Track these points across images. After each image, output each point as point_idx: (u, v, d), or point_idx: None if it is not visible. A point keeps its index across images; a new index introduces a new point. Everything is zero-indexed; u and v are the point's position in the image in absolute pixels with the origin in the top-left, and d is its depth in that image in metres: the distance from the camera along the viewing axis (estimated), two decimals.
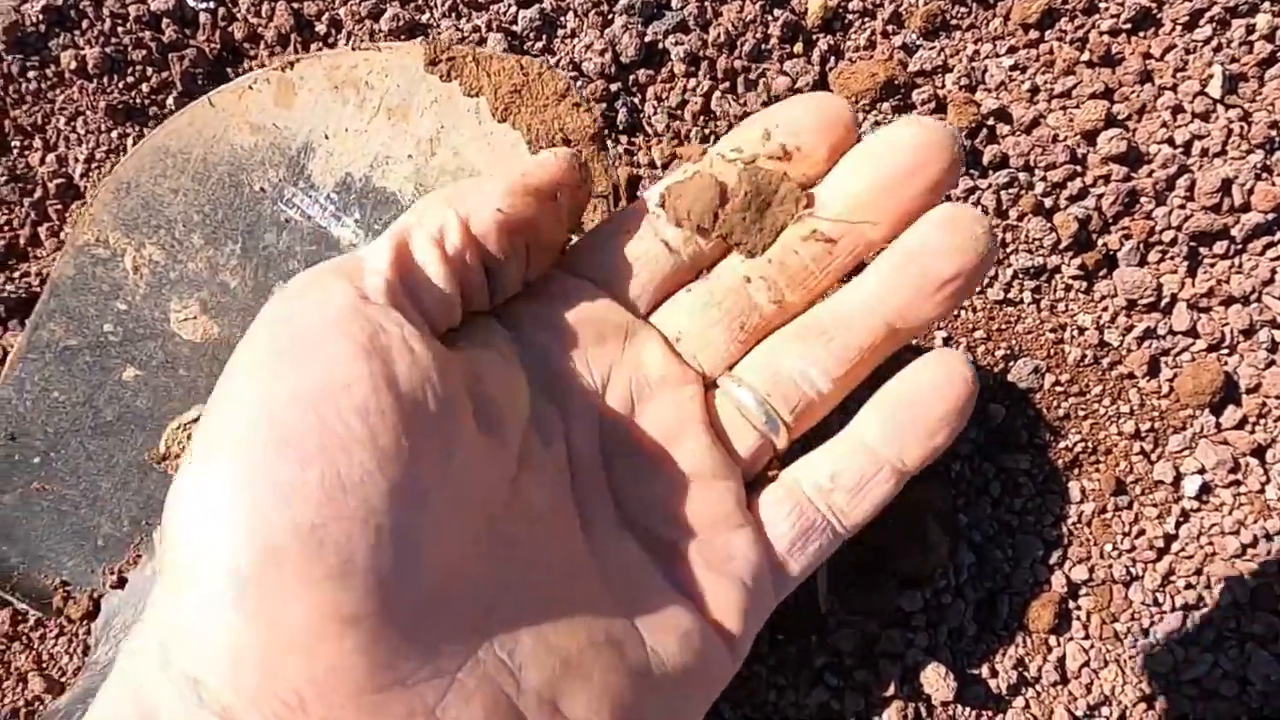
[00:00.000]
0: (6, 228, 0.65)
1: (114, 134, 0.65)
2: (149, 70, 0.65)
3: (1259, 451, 0.64)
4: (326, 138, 0.50)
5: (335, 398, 0.25)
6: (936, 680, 0.60)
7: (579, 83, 0.65)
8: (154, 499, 0.58)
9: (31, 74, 0.64)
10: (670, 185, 0.34)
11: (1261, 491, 0.64)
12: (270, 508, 0.24)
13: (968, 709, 0.61)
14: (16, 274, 0.65)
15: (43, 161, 0.65)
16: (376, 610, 0.24)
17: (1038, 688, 0.63)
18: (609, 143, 0.66)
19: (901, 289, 0.32)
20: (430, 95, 0.48)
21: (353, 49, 0.49)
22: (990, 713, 0.62)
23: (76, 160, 0.65)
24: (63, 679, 0.61)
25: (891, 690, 0.60)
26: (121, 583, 0.58)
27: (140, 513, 0.58)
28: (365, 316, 0.27)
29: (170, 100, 0.65)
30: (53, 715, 0.51)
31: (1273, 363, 0.64)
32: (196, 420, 0.57)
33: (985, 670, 0.62)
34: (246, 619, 0.24)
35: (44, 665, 0.62)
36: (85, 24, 0.65)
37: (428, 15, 0.67)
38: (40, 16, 0.64)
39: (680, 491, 0.33)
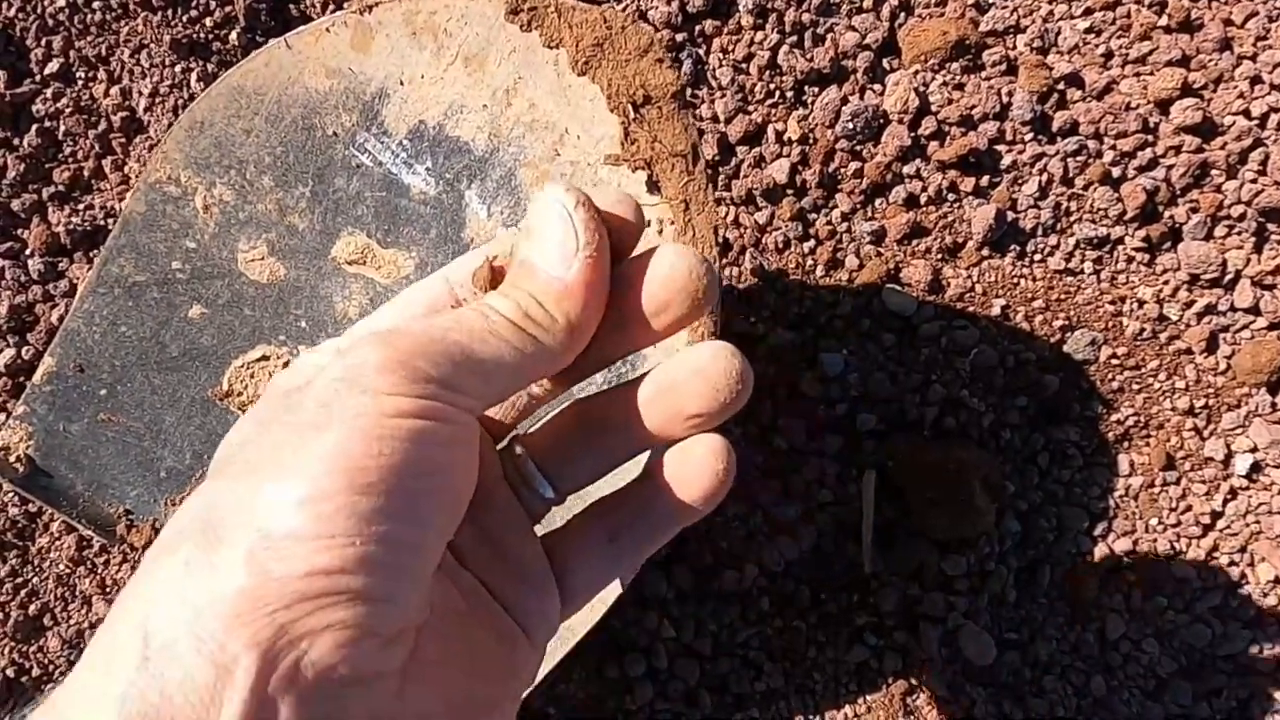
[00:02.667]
0: (71, 160, 0.66)
1: (178, 68, 0.65)
2: (212, 4, 0.65)
3: None
4: (402, 84, 0.50)
5: None
6: (976, 645, 0.61)
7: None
8: (215, 434, 0.59)
9: (96, 4, 0.64)
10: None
11: None
12: None
13: (1006, 674, 0.62)
14: (81, 206, 0.65)
15: (107, 94, 0.65)
16: None
17: (1075, 656, 0.64)
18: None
19: (655, 415, 0.33)
20: (509, 45, 0.47)
21: None
22: (1028, 680, 0.63)
23: (140, 94, 0.65)
24: None
25: (932, 652, 0.61)
26: None
27: (202, 447, 0.59)
28: None
29: (233, 36, 0.65)
30: None
31: None
32: (260, 360, 0.58)
33: (1025, 636, 0.63)
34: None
35: (108, 590, 0.64)
36: None
37: None
38: None
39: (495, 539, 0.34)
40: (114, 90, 0.65)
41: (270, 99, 0.52)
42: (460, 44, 0.48)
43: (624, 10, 0.65)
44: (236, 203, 0.55)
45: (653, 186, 0.46)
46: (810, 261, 0.64)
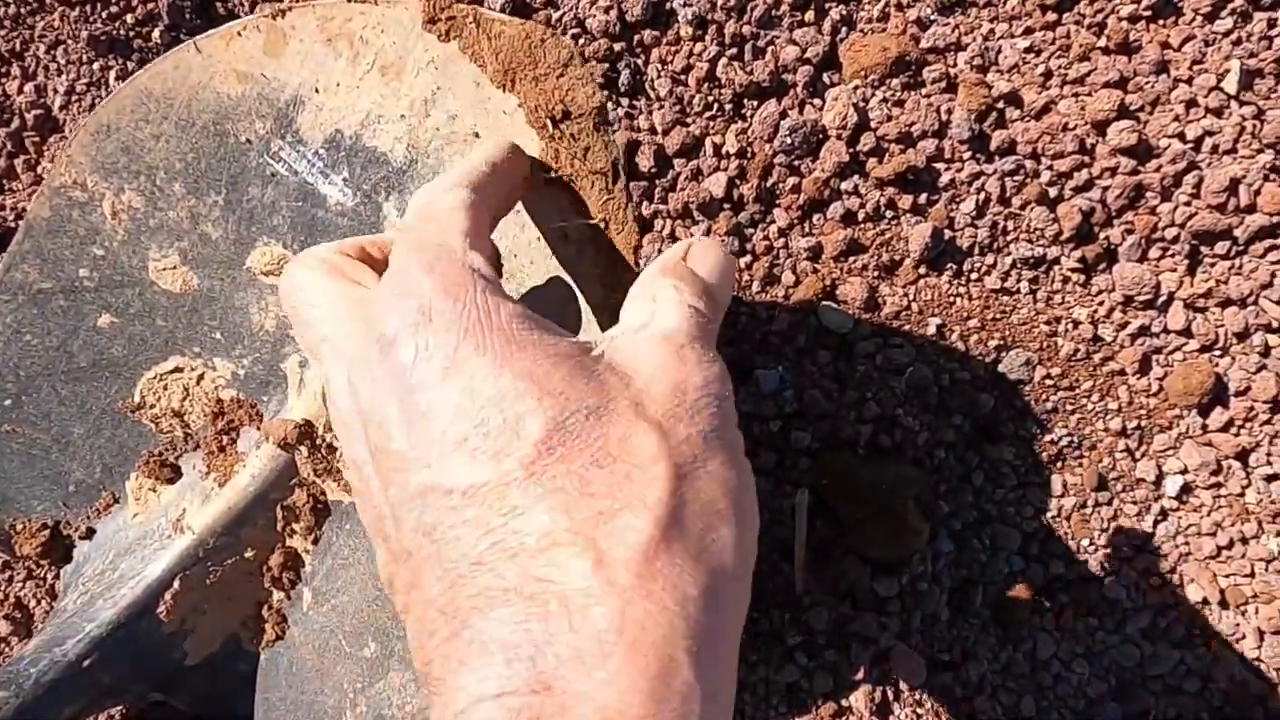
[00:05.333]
0: None
1: (95, 66, 0.62)
2: (134, 1, 0.63)
3: (1242, 455, 0.64)
4: (317, 91, 0.48)
5: None
6: (907, 665, 0.61)
7: (581, 41, 0.63)
8: (127, 447, 0.57)
9: None
10: None
11: (1241, 495, 0.64)
12: None
13: (937, 695, 0.62)
14: None
15: (20, 91, 0.62)
16: None
17: (1006, 676, 0.63)
18: (610, 108, 0.64)
19: None
20: (427, 55, 0.46)
21: (348, 0, 0.47)
22: (959, 700, 0.62)
23: (56, 91, 0.62)
24: (30, 623, 0.60)
25: (861, 673, 0.61)
26: (90, 533, 0.57)
27: (113, 460, 0.57)
28: None
29: (156, 33, 0.63)
30: (18, 661, 0.51)
31: (1264, 367, 0.63)
32: (173, 371, 0.56)
33: (956, 657, 0.63)
34: None
35: (9, 609, 0.61)
36: None
37: None
38: None
39: None
40: (28, 87, 0.62)
41: (180, 103, 0.50)
42: (377, 52, 0.47)
43: (560, 17, 0.63)
44: (146, 209, 0.53)
45: (575, 206, 0.45)
46: (747, 277, 0.63)
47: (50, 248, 0.54)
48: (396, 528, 0.31)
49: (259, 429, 0.54)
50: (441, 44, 0.45)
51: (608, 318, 0.46)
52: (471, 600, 0.28)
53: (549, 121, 0.43)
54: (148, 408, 0.56)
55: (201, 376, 0.55)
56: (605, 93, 0.45)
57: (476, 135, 0.46)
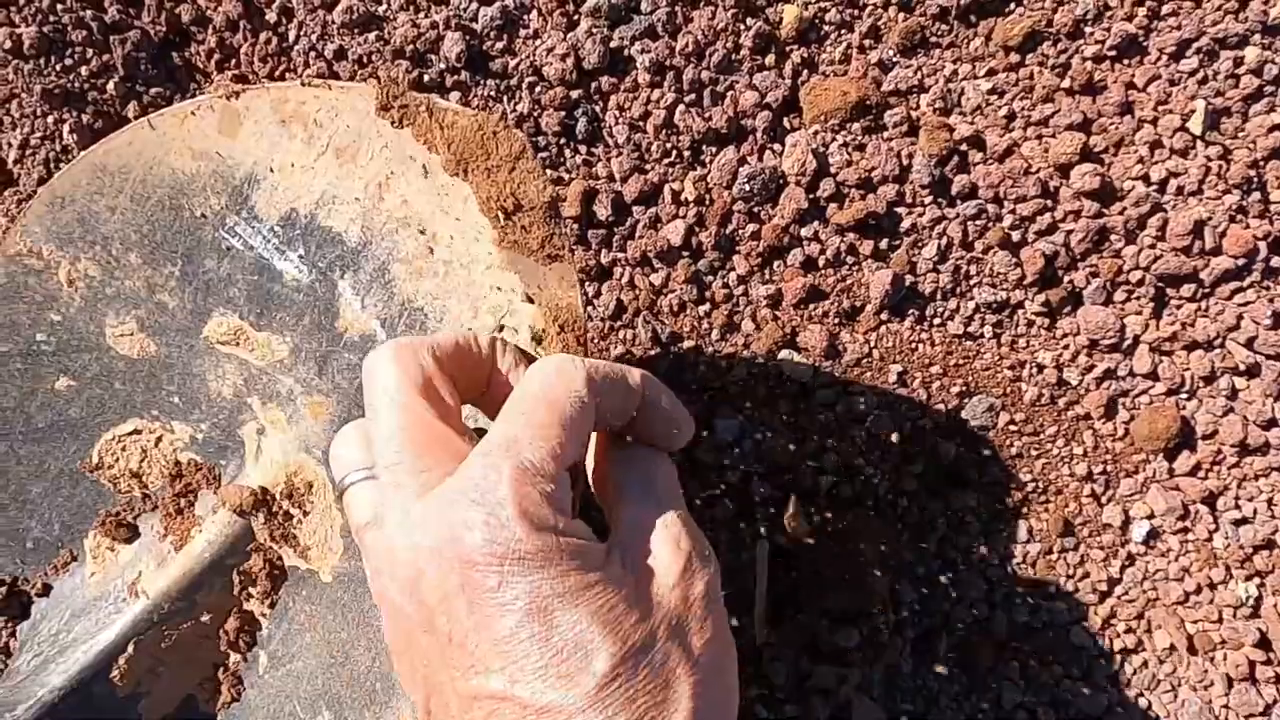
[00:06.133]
0: None
1: (50, 119, 0.63)
2: (89, 52, 0.63)
3: (1210, 499, 0.63)
4: (272, 171, 0.49)
5: None
6: (868, 717, 0.60)
7: (538, 89, 0.63)
8: (85, 506, 0.58)
9: None
10: None
11: (1209, 540, 0.63)
12: None
13: None
14: None
15: None
16: None
17: None
18: (568, 153, 0.64)
19: None
20: (381, 140, 0.46)
21: (302, 84, 0.47)
22: None
23: (10, 145, 0.63)
24: None
25: None
26: (47, 589, 0.58)
27: (71, 518, 0.58)
28: None
29: (111, 85, 0.63)
30: None
31: (1231, 410, 0.63)
32: (132, 433, 0.57)
33: (920, 707, 0.63)
34: None
35: None
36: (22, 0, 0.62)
37: (384, 7, 0.65)
38: None
39: None
40: None
41: (135, 178, 0.50)
42: (331, 135, 0.47)
43: (516, 65, 0.63)
44: (103, 278, 0.53)
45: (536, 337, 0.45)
46: (706, 325, 0.63)
47: (7, 312, 0.54)
48: (461, 703, 0.35)
49: (216, 493, 0.55)
50: (395, 130, 0.45)
51: None
52: None
53: (500, 213, 0.43)
54: (106, 468, 0.57)
55: (160, 439, 0.56)
56: (556, 188, 0.45)
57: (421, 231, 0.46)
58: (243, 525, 0.53)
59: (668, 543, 0.38)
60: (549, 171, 0.64)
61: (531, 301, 0.44)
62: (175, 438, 0.55)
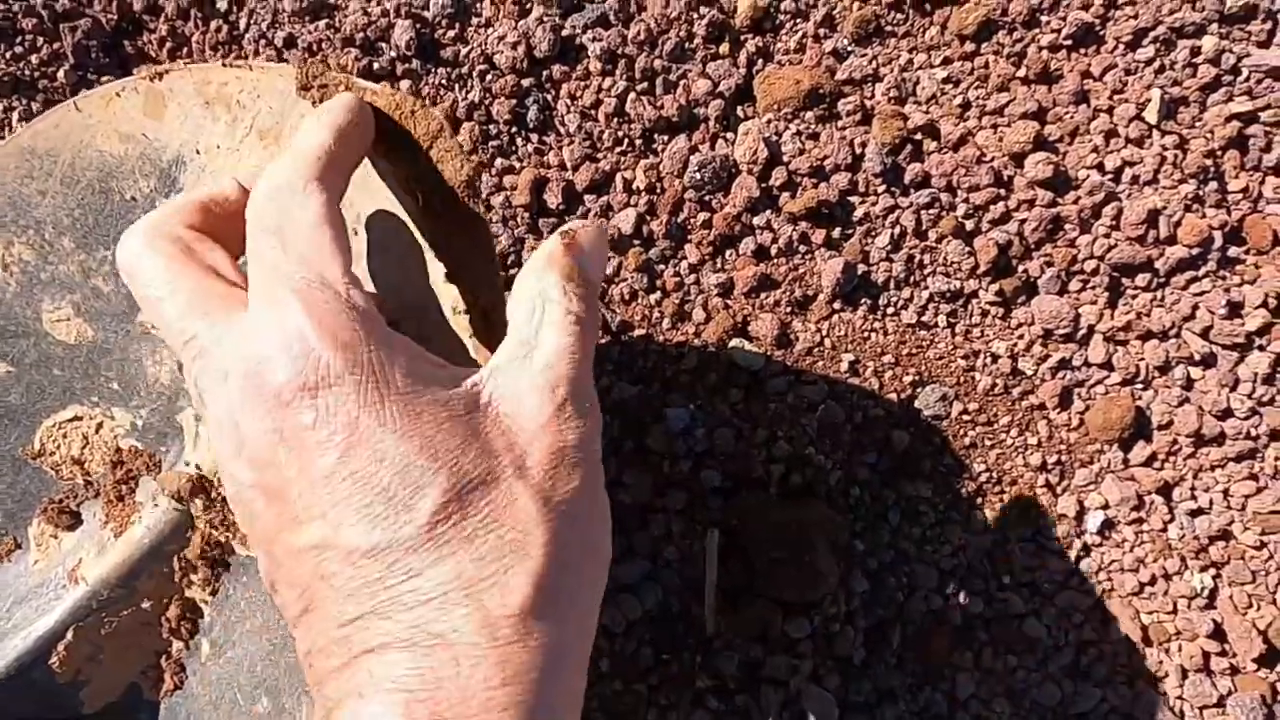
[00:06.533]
0: None
1: None
2: (39, 40, 0.63)
3: (1165, 490, 0.63)
4: (198, 153, 0.48)
5: None
6: (820, 707, 0.60)
7: (489, 77, 0.63)
8: (29, 493, 0.57)
9: None
10: None
11: (1164, 530, 0.63)
12: None
13: None
14: None
15: None
16: None
17: (924, 717, 0.63)
18: (518, 141, 0.63)
19: None
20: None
21: (223, 64, 0.46)
22: None
23: None
24: None
25: (773, 717, 0.60)
26: None
27: (15, 505, 0.58)
28: None
29: (61, 73, 0.63)
30: None
31: (1186, 400, 0.62)
32: (73, 420, 0.56)
33: (872, 698, 0.62)
34: None
35: None
36: None
37: None
38: None
39: None
40: None
41: (64, 161, 0.50)
42: (254, 117, 0.47)
43: (468, 54, 0.63)
44: (38, 263, 0.53)
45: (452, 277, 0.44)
46: (657, 314, 0.63)
47: None
48: (290, 560, 0.33)
49: (156, 479, 0.54)
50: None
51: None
52: (366, 641, 0.32)
53: (420, 193, 0.43)
54: (48, 455, 0.56)
55: (100, 425, 0.55)
56: (475, 161, 0.44)
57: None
58: (182, 512, 0.53)
59: (542, 384, 0.34)
60: (500, 160, 0.63)
61: (451, 280, 0.43)
62: (116, 424, 0.55)
